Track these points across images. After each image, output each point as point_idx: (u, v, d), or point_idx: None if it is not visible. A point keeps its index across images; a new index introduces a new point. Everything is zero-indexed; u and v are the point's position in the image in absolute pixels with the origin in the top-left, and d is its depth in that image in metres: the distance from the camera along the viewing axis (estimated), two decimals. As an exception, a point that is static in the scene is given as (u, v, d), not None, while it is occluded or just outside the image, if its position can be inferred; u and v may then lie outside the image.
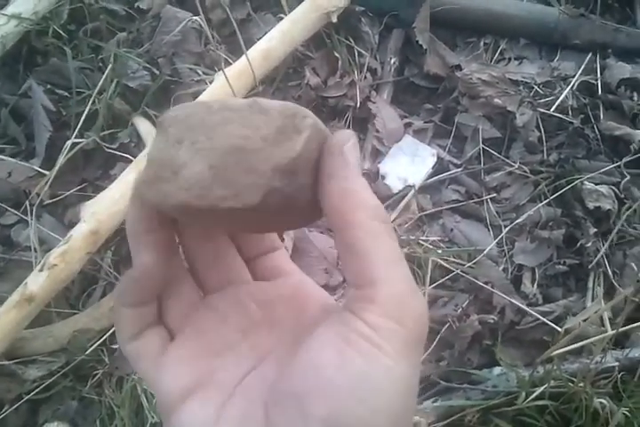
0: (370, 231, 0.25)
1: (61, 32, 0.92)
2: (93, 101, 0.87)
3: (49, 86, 0.90)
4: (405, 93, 0.96)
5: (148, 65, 0.91)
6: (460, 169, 0.86)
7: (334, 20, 0.90)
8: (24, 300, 0.65)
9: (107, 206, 0.71)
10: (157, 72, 0.90)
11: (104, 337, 0.69)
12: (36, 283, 0.66)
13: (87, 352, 0.68)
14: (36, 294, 0.65)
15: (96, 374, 0.68)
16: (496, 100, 0.90)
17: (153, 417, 0.64)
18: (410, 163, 0.86)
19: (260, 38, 0.89)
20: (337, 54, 0.91)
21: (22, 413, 0.67)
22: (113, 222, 0.71)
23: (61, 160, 0.80)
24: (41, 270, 0.66)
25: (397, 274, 0.25)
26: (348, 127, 0.89)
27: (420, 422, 0.60)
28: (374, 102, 0.92)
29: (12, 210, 0.77)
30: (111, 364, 0.68)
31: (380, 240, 0.25)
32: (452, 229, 0.83)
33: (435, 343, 0.69)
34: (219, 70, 0.87)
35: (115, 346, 0.69)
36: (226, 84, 0.82)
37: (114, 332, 0.69)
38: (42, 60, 0.93)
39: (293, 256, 0.75)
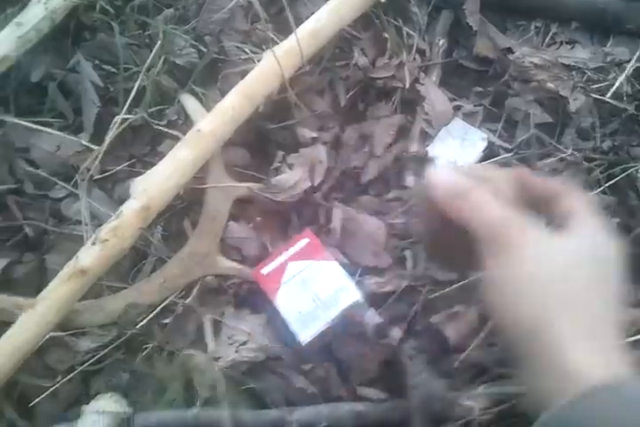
0: None
1: (108, 8, 0.92)
2: (140, 78, 0.87)
3: (96, 62, 0.89)
4: (454, 76, 0.94)
5: (195, 42, 0.90)
6: (510, 154, 0.85)
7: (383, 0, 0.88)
8: (77, 273, 0.65)
9: (157, 183, 0.71)
10: (204, 49, 0.89)
11: (154, 312, 0.69)
12: (89, 257, 0.66)
13: (137, 326, 0.67)
14: (89, 268, 0.65)
15: (146, 347, 0.68)
16: (549, 84, 0.87)
17: (204, 394, 0.64)
18: (459, 146, 0.85)
19: (308, 18, 0.88)
20: (386, 35, 0.89)
21: (75, 383, 0.67)
22: (163, 199, 0.71)
23: (110, 136, 0.80)
24: (93, 244, 0.66)
25: None
26: (396, 109, 0.87)
27: (472, 407, 0.60)
28: (423, 84, 0.90)
29: (63, 184, 0.77)
30: (162, 338, 0.68)
31: None
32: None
33: (487, 328, 0.68)
34: (266, 49, 0.86)
35: (166, 321, 0.69)
36: (274, 63, 0.81)
37: (164, 307, 0.69)
38: (90, 36, 0.92)
39: (341, 237, 0.74)
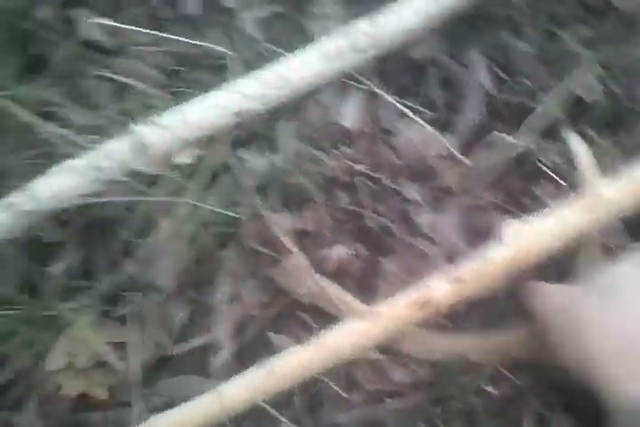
0: None
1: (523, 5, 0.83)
2: (534, 98, 0.78)
3: (490, 63, 0.82)
4: None
5: (605, 78, 0.79)
6: None
7: None
8: (423, 302, 0.60)
9: (532, 236, 0.63)
10: (614, 91, 0.78)
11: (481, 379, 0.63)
12: (439, 292, 0.61)
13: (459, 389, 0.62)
14: (437, 303, 0.61)
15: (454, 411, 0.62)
16: None
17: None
18: None
19: None
20: None
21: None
22: (532, 255, 0.64)
23: (484, 155, 0.73)
24: (448, 283, 0.61)
25: None
26: None
27: None
28: None
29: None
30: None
31: None
32: None
33: None
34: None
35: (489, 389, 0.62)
36: None
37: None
38: (489, 30, 0.84)
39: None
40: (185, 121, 0.71)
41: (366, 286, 0.69)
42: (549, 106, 0.76)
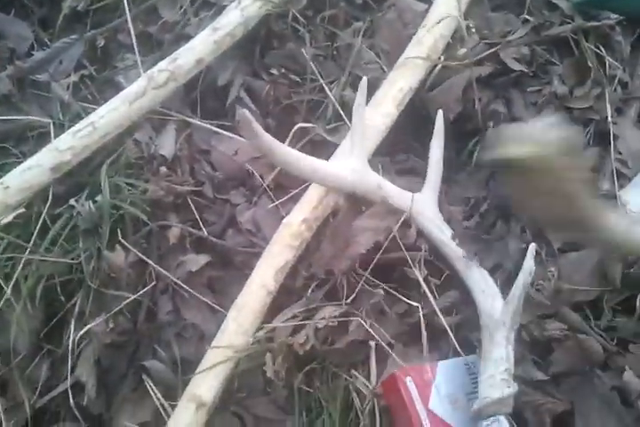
0: None
1: (300, 17, 0.93)
2: (322, 90, 0.87)
3: (283, 71, 0.90)
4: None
5: (377, 59, 0.89)
6: None
7: None
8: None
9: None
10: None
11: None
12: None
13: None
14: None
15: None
16: None
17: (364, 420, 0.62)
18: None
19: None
20: (590, 63, 0.83)
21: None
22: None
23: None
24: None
25: None
26: (589, 142, 0.80)
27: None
28: (615, 123, 0.82)
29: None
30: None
31: None
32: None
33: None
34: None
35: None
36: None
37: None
38: (278, 44, 0.93)
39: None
40: (6, 188, 0.75)
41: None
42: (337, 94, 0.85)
